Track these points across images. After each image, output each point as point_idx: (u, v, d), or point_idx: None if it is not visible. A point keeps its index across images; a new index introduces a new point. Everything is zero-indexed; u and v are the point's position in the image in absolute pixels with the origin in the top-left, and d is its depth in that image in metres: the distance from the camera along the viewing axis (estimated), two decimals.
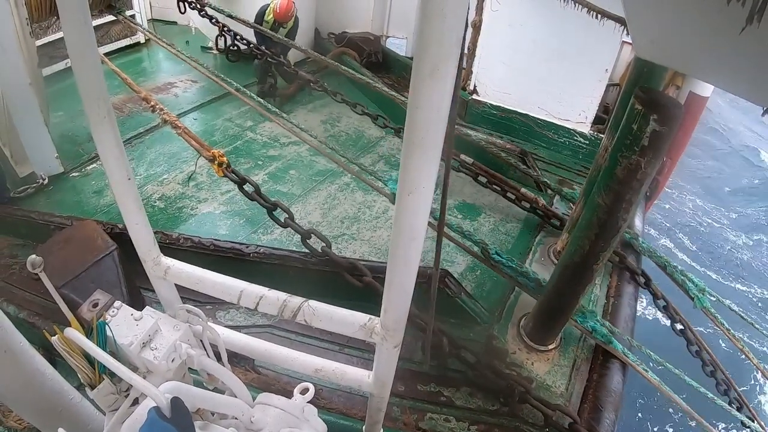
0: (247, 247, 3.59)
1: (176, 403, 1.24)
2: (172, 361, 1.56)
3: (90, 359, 1.45)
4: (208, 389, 1.67)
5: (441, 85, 0.85)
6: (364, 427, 2.07)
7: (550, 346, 3.29)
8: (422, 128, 0.90)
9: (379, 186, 3.90)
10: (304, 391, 1.69)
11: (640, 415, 6.41)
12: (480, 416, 2.93)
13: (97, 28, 7.14)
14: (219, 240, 3.69)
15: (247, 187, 3.26)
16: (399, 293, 1.25)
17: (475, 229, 4.64)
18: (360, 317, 1.44)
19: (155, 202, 4.67)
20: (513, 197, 4.67)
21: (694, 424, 3.31)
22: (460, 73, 0.87)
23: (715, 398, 3.26)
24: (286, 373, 2.96)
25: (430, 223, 3.32)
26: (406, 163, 0.95)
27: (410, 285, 1.22)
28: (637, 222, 4.77)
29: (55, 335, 1.42)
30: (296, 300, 1.51)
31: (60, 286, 3.05)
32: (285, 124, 4.58)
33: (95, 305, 2.70)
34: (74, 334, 1.37)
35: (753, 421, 3.49)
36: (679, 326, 3.77)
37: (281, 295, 1.53)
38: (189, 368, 1.66)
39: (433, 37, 0.80)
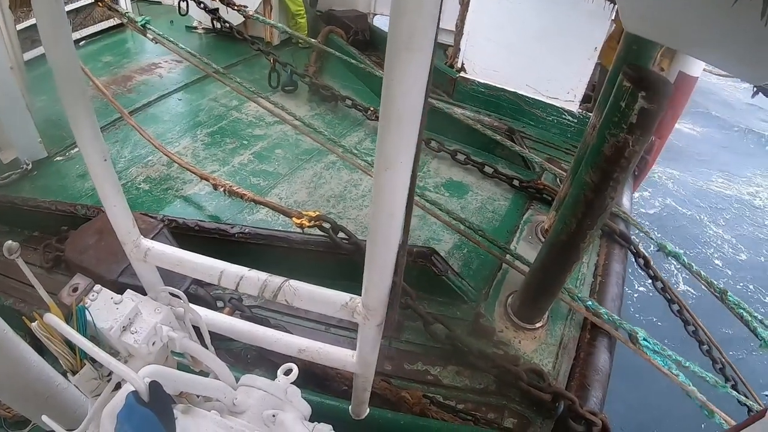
0: (232, 227, 3.57)
1: (154, 386, 1.23)
2: (153, 344, 1.54)
3: (71, 345, 1.42)
4: (195, 372, 1.66)
5: (418, 57, 0.82)
6: (350, 407, 2.07)
7: (537, 325, 3.29)
8: (399, 102, 0.87)
9: (362, 165, 3.89)
10: (288, 372, 1.68)
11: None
12: (467, 395, 2.94)
13: (79, 10, 7.04)
14: (204, 221, 3.67)
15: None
16: (379, 272, 1.23)
17: (463, 207, 4.63)
18: (341, 296, 1.43)
19: (140, 185, 4.61)
20: (491, 171, 4.80)
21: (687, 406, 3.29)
22: (435, 46, 0.84)
23: (707, 374, 3.25)
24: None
25: (420, 206, 3.36)
26: (383, 138, 0.93)
27: (390, 263, 1.20)
28: (625, 201, 4.78)
29: (35, 321, 1.41)
30: (277, 280, 1.48)
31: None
32: (269, 105, 4.57)
33: (75, 290, 2.67)
34: (53, 319, 1.35)
35: (748, 398, 3.51)
36: (676, 307, 3.82)
37: (261, 275, 1.51)
38: (174, 352, 1.64)
39: (409, 5, 0.77)
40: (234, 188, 3.75)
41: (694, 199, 9.91)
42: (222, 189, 3.79)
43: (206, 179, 3.92)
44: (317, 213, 3.30)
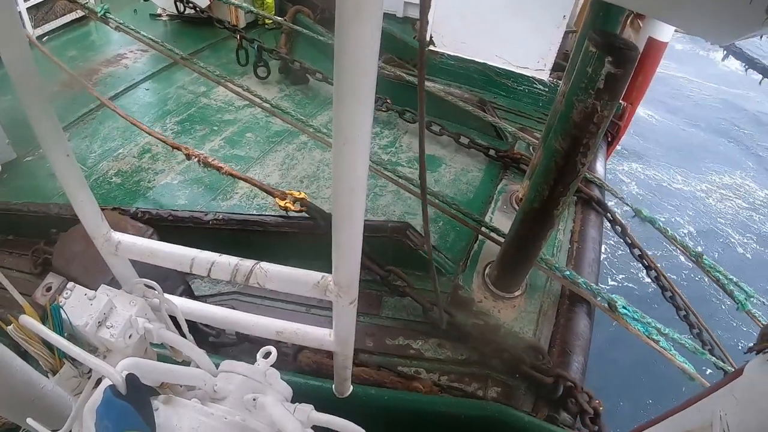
0: (205, 215, 3.54)
1: (131, 379, 1.22)
2: (130, 337, 1.54)
3: (49, 345, 1.43)
4: (179, 363, 1.66)
5: (367, 27, 0.80)
6: (333, 386, 2.08)
7: (516, 293, 3.32)
8: (352, 74, 0.86)
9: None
10: (267, 355, 1.67)
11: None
12: (450, 366, 2.96)
13: (39, 5, 6.83)
14: (177, 210, 3.63)
15: None
16: (347, 248, 1.22)
17: (436, 180, 4.65)
18: (313, 276, 1.42)
19: (112, 179, 4.56)
20: (466, 142, 4.78)
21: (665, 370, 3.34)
22: (424, 25, 0.83)
23: (686, 341, 3.29)
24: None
25: (393, 181, 3.35)
26: (339, 112, 0.91)
27: (358, 239, 1.19)
28: (599, 167, 4.81)
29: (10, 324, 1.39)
30: (247, 263, 1.48)
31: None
32: (237, 89, 4.52)
33: (49, 289, 2.64)
34: (28, 321, 1.35)
35: (725, 363, 3.58)
36: (653, 273, 3.86)
37: (232, 260, 1.50)
38: (155, 344, 1.64)
39: None
40: (209, 160, 3.66)
41: (656, 195, 10.04)
42: (196, 159, 3.69)
43: (177, 148, 3.82)
44: (301, 195, 3.27)
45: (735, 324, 7.09)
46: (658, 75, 5.40)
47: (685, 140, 11.93)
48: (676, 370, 3.05)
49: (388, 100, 5.06)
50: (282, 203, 3.26)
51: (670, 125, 12.43)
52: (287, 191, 3.31)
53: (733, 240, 9.02)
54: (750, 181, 10.72)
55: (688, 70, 14.90)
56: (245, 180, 3.61)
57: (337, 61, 0.85)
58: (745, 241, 9.07)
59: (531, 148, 4.68)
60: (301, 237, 3.40)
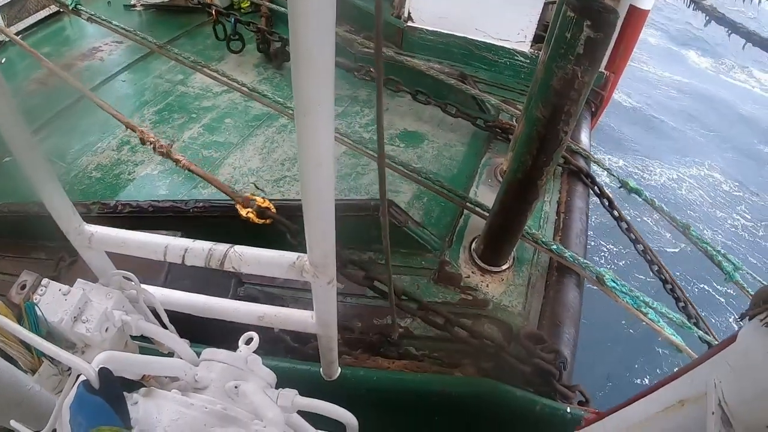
0: (186, 204, 3.48)
1: (103, 373, 1.19)
2: (106, 330, 1.52)
3: (27, 345, 1.44)
4: (164, 355, 1.63)
5: None
6: (321, 369, 2.05)
7: (504, 267, 3.30)
8: (307, 40, 0.81)
9: None
10: (249, 341, 1.64)
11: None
12: (439, 344, 2.94)
13: (12, 3, 6.66)
14: (158, 201, 3.57)
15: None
16: (320, 226, 1.18)
17: (419, 156, 4.63)
18: (288, 257, 1.38)
19: (91, 173, 4.48)
20: (453, 111, 4.68)
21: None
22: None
23: (674, 315, 3.27)
24: None
25: (369, 155, 3.28)
26: (297, 81, 0.86)
27: (329, 216, 1.15)
28: (584, 138, 4.78)
29: None
30: (222, 247, 1.44)
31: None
32: (215, 75, 4.45)
33: (23, 287, 2.59)
34: (3, 320, 1.31)
35: (708, 335, 3.58)
36: (640, 247, 3.86)
37: (206, 245, 1.46)
38: (140, 336, 1.63)
39: None
40: (159, 142, 3.34)
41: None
42: (150, 145, 3.38)
43: (132, 129, 3.53)
44: (266, 203, 2.87)
45: (717, 303, 7.26)
46: (630, 68, 5.35)
47: (657, 133, 11.99)
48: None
49: (371, 69, 4.98)
50: (244, 212, 2.87)
51: (642, 118, 12.47)
52: (252, 196, 2.93)
53: (705, 232, 9.13)
54: (717, 173, 10.85)
55: (660, 65, 14.97)
56: (207, 179, 3.28)
57: (292, 28, 0.80)
58: (713, 231, 9.22)
59: (514, 119, 4.63)
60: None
